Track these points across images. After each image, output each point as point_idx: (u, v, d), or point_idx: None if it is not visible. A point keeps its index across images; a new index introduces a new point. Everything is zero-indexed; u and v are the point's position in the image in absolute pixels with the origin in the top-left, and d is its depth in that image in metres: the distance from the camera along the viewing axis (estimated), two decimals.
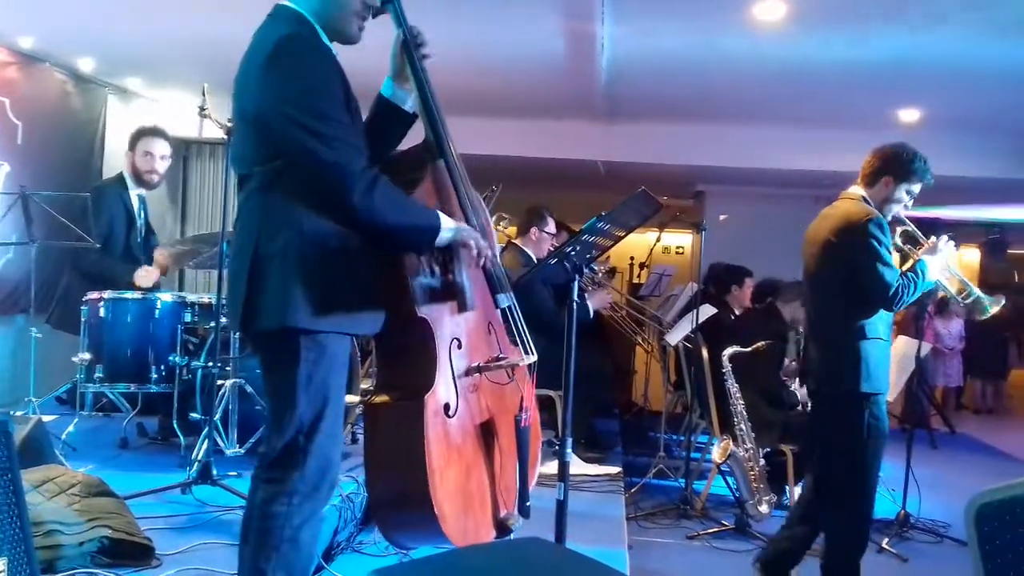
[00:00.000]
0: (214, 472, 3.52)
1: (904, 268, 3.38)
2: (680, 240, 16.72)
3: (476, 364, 2.50)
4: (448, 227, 2.28)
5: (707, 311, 5.29)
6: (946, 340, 9.47)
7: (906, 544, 4.57)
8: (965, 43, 5.17)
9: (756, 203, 10.06)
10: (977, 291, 3.49)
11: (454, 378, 2.41)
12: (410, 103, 2.42)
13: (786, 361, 5.49)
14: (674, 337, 5.46)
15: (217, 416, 3.81)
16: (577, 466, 4.92)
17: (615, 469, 5.29)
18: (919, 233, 3.48)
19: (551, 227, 5.43)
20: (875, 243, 3.23)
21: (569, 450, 2.28)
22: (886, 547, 4.41)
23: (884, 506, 4.98)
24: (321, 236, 2.12)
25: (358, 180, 2.08)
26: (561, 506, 2.21)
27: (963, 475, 6.25)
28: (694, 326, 5.11)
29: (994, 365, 10.53)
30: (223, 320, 3.82)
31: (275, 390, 2.18)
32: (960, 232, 3.51)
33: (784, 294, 5.51)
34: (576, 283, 2.24)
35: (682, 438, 6.31)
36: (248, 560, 2.11)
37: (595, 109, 7.69)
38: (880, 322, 3.35)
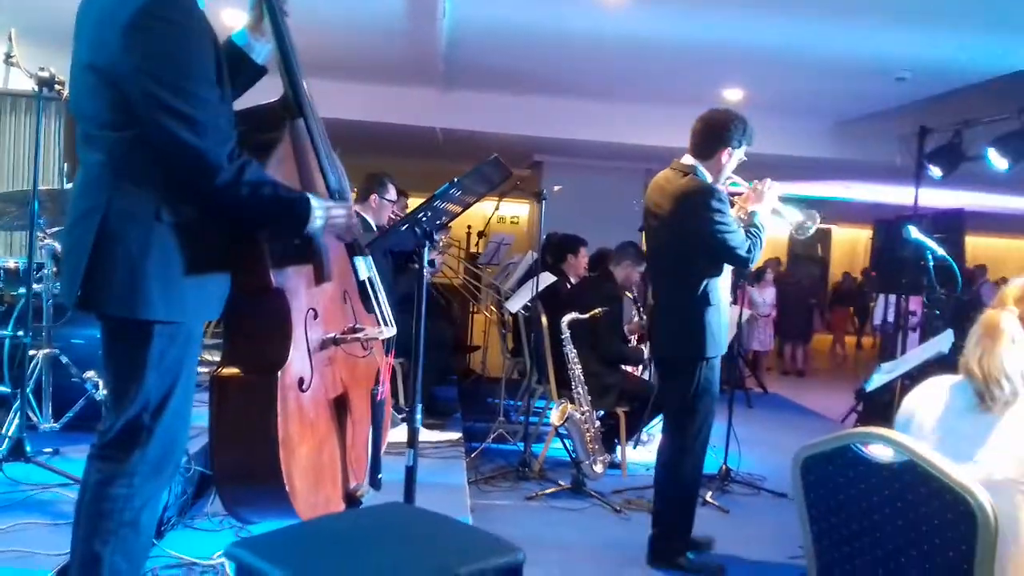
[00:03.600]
0: (27, 448, 3.27)
1: (744, 223, 3.54)
2: (515, 210, 16.95)
3: (332, 336, 2.44)
4: (319, 214, 2.19)
5: (547, 279, 5.39)
6: (761, 307, 10.13)
7: (727, 497, 4.87)
8: (786, 29, 5.49)
9: (591, 175, 10.33)
10: (797, 217, 3.62)
11: (309, 351, 2.34)
12: (263, 56, 2.31)
13: (631, 319, 5.71)
14: (514, 304, 5.54)
15: (29, 389, 3.52)
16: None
17: (455, 435, 5.33)
18: (741, 180, 3.65)
19: (392, 194, 5.33)
20: (717, 214, 3.38)
21: (419, 416, 2.26)
22: (709, 500, 4.68)
23: (707, 462, 5.30)
24: (178, 220, 1.99)
25: (223, 169, 1.97)
26: (410, 472, 2.21)
27: (776, 432, 6.72)
28: (534, 294, 5.20)
29: (801, 330, 11.37)
30: (36, 287, 3.52)
31: (120, 365, 2.03)
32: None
33: (615, 257, 5.71)
34: (427, 249, 2.21)
35: (520, 403, 6.44)
36: (81, 543, 1.97)
37: (435, 75, 7.63)
38: (722, 287, 3.54)
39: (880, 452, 1.86)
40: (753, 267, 3.54)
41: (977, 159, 6.57)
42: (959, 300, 5.90)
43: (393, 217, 5.29)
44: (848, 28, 5.32)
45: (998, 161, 6.19)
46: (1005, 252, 17.79)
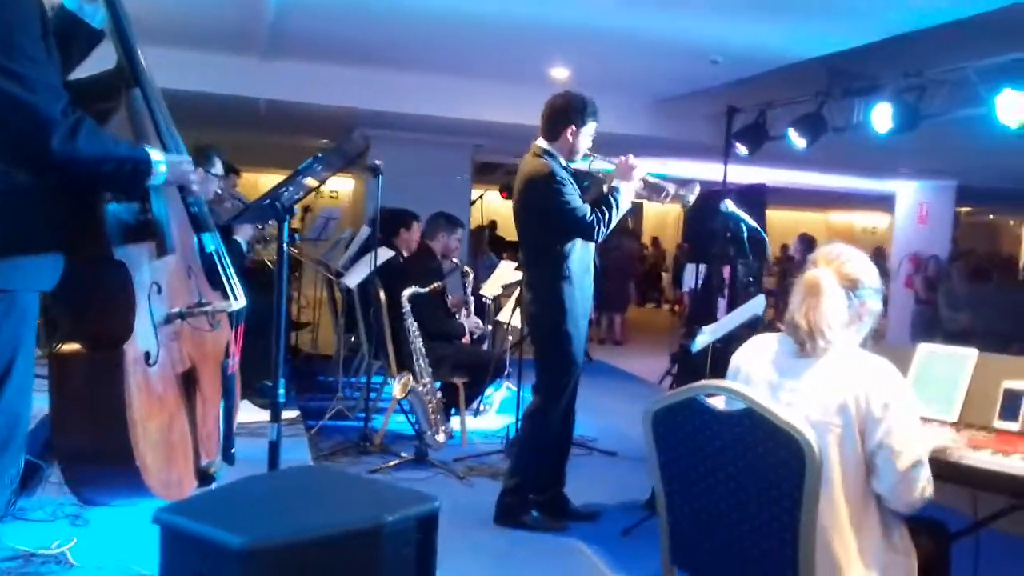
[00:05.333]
0: None
1: (601, 195, 3.69)
2: (335, 185, 16.64)
3: (178, 310, 2.37)
4: (162, 168, 2.14)
5: (384, 254, 5.39)
6: None
7: None
8: (611, 10, 5.72)
9: (417, 149, 10.31)
10: (671, 188, 3.83)
11: (154, 325, 2.27)
12: (98, 19, 2.21)
13: (449, 296, 5.81)
14: (352, 279, 5.49)
15: None
16: (253, 413, 4.82)
17: (293, 413, 5.27)
18: (604, 158, 3.79)
19: (218, 168, 5.12)
20: (558, 189, 3.55)
21: (282, 391, 2.25)
22: None
23: None
24: (6, 186, 1.89)
25: (57, 125, 1.89)
26: (274, 446, 2.20)
27: (602, 396, 7.04)
28: (372, 268, 5.19)
29: (618, 301, 11.97)
30: None
31: None
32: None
33: (428, 232, 5.79)
34: (287, 223, 2.19)
35: (354, 379, 6.43)
36: None
37: (258, 43, 7.35)
38: (577, 261, 3.70)
39: (720, 403, 2.06)
40: (601, 239, 3.70)
41: (779, 138, 7.17)
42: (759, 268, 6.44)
43: (219, 193, 5.11)
44: (670, 12, 5.62)
45: (798, 140, 6.78)
46: (795, 224, 19.48)
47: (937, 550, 2.36)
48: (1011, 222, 14.95)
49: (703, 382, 2.04)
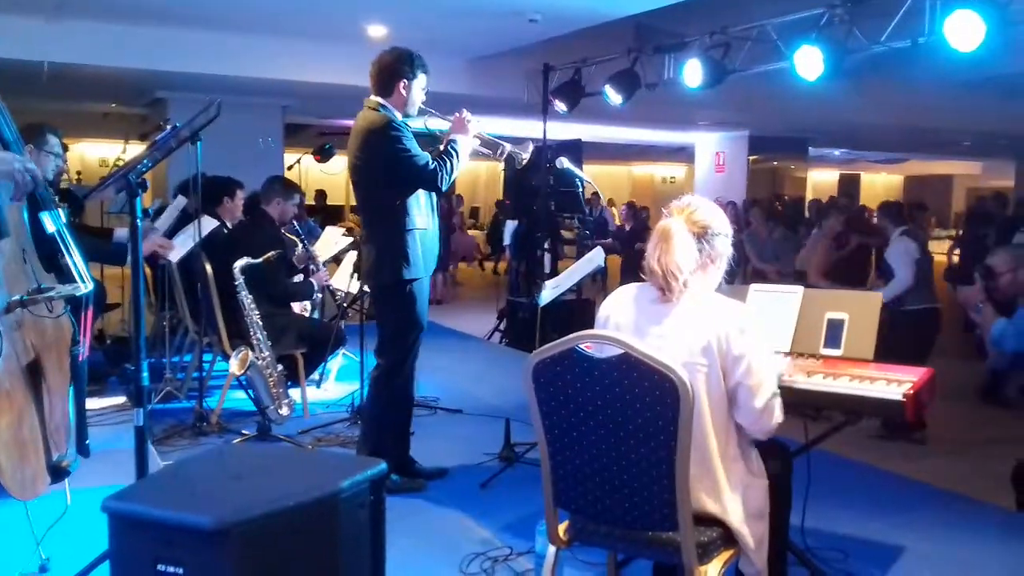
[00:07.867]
0: None
1: (440, 149, 3.68)
2: (117, 152, 15.53)
3: (19, 297, 2.17)
4: None
5: (209, 224, 5.13)
6: None
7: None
8: None
9: (222, 112, 9.82)
10: (507, 146, 3.86)
11: None
12: None
13: (296, 253, 5.64)
14: (175, 254, 5.18)
15: None
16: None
17: (119, 399, 4.97)
18: (440, 115, 3.79)
19: (52, 145, 4.59)
20: (397, 140, 3.53)
21: (146, 373, 2.13)
22: None
23: None
24: None
25: None
26: (141, 432, 2.08)
27: (436, 355, 7.06)
28: (196, 241, 4.93)
29: (443, 260, 12.05)
30: None
31: None
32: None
33: (264, 196, 5.61)
34: (139, 199, 2.05)
35: (177, 359, 6.12)
36: None
37: (43, 3, 6.72)
38: (418, 212, 3.68)
39: (595, 350, 2.16)
40: (445, 188, 3.69)
41: (595, 95, 7.41)
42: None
43: (60, 167, 4.69)
44: None
45: (614, 96, 7.04)
46: (600, 176, 20.28)
47: (782, 470, 2.60)
48: (792, 167, 16.29)
49: (581, 332, 2.12)
